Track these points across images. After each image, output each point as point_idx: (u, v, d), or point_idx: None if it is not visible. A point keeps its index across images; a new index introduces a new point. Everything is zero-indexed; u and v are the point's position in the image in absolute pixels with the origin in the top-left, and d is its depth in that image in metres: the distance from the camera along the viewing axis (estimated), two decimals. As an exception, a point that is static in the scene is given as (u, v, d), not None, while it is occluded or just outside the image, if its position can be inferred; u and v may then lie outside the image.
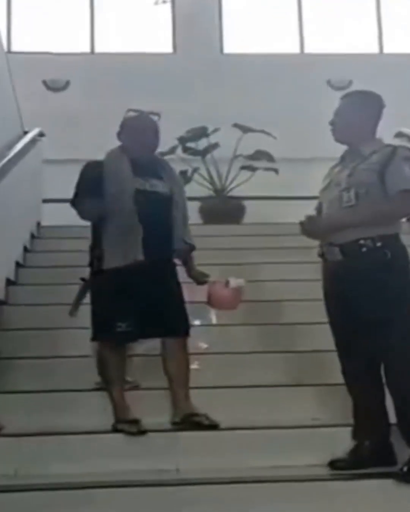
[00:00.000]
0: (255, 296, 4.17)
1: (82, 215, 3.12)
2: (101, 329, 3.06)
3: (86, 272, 3.14)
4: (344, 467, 2.74)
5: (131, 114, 3.23)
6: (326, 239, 2.85)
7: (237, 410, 3.14)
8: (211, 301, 3.23)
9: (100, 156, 3.22)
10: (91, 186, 3.06)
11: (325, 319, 2.96)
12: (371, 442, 2.77)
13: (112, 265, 3.00)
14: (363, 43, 8.66)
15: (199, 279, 3.25)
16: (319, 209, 2.98)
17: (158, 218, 3.06)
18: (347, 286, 2.76)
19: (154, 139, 3.19)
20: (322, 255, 2.89)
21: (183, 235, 3.17)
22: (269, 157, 6.95)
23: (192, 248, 3.26)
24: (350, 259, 2.76)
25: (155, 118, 3.24)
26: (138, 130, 3.14)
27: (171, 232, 3.12)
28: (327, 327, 2.94)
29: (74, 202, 3.12)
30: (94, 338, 3.12)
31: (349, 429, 2.84)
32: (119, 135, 3.23)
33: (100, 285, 3.07)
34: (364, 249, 2.73)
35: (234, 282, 3.18)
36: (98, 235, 3.08)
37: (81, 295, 3.30)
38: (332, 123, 2.92)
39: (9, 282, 4.52)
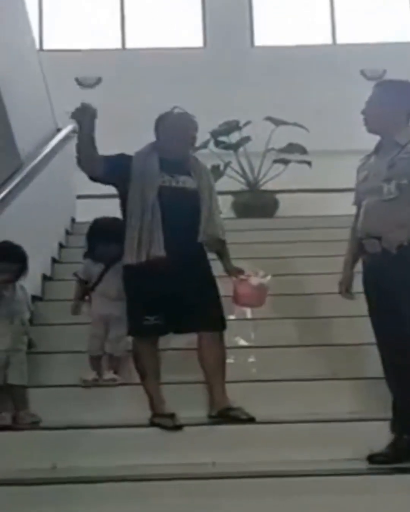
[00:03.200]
0: (290, 289, 4.15)
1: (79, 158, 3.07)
2: (132, 323, 3.09)
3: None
4: (383, 461, 2.70)
5: (178, 110, 3.22)
6: (366, 231, 2.81)
7: (273, 403, 3.12)
8: (235, 298, 3.23)
9: (133, 151, 3.23)
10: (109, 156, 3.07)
11: (362, 312, 2.92)
12: (410, 435, 2.73)
13: (127, 261, 3.03)
14: (396, 31, 8.52)
15: (233, 274, 3.25)
16: (358, 202, 2.94)
17: (184, 214, 3.06)
18: (388, 278, 2.72)
19: (193, 138, 3.20)
20: (362, 247, 2.86)
21: (207, 230, 3.13)
22: (302, 150, 6.89)
23: (219, 242, 3.22)
24: (391, 251, 2.72)
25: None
26: (179, 129, 3.16)
27: (199, 227, 3.12)
28: (364, 320, 2.91)
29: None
30: (129, 333, 3.15)
31: (387, 423, 2.80)
32: (156, 130, 3.23)
33: (129, 280, 3.10)
34: (405, 242, 2.69)
35: (255, 280, 3.16)
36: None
37: (78, 293, 3.52)
38: (364, 113, 2.88)
39: (45, 278, 4.56)
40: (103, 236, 3.48)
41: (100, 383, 3.37)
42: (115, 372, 3.41)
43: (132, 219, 3.04)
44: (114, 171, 3.07)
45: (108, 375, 3.40)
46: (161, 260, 2.99)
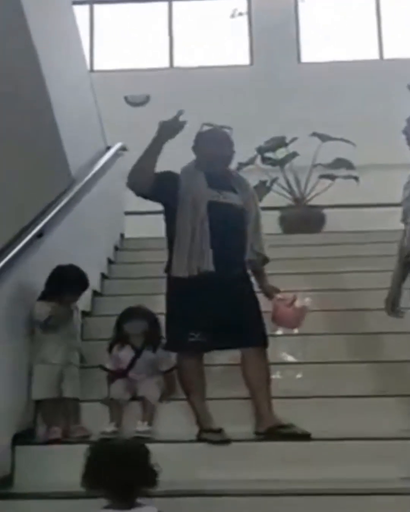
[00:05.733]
0: (338, 305, 4.12)
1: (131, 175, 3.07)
2: (174, 339, 3.10)
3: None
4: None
5: (206, 127, 3.27)
6: None
7: (321, 420, 3.09)
8: (273, 316, 3.21)
9: (180, 168, 3.27)
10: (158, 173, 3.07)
11: (411, 328, 2.88)
12: None
13: (178, 274, 3.03)
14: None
15: (270, 293, 3.24)
16: (405, 219, 2.91)
17: (231, 229, 3.09)
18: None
19: (229, 151, 3.23)
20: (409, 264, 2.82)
21: (255, 246, 3.17)
22: (349, 165, 6.85)
23: (265, 259, 3.24)
24: None
25: (228, 131, 3.28)
26: (213, 143, 3.20)
27: (245, 243, 3.14)
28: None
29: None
30: (167, 347, 3.17)
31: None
32: (194, 148, 3.29)
33: (173, 295, 3.11)
34: None
35: (299, 302, 3.14)
36: (170, 245, 3.13)
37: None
38: (405, 132, 2.86)
39: (95, 294, 4.63)
40: (131, 317, 3.36)
41: (135, 434, 2.97)
42: (149, 424, 3.06)
43: (182, 234, 3.07)
44: (164, 187, 3.10)
45: (142, 426, 3.05)
46: (208, 275, 3.00)
